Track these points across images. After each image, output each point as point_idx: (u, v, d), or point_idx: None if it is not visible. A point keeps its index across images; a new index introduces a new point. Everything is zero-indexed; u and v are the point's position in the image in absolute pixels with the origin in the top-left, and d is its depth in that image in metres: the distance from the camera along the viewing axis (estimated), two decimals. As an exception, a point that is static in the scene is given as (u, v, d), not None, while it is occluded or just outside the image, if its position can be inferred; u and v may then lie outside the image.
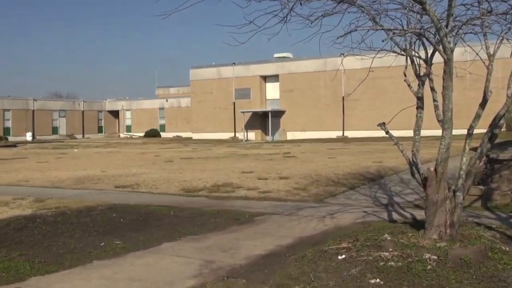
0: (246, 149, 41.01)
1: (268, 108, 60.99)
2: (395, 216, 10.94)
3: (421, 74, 8.93)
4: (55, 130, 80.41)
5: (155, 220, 11.63)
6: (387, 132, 8.95)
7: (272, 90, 63.11)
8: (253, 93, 63.12)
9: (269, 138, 59.47)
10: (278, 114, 60.57)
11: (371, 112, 54.42)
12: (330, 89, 57.57)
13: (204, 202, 14.09)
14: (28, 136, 74.14)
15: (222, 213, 12.11)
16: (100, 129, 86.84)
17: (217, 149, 41.11)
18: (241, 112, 60.97)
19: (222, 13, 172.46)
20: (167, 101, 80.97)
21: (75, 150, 44.65)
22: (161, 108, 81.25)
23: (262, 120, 62.32)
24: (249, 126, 62.07)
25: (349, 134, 56.12)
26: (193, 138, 65.97)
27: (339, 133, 56.93)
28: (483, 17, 7.94)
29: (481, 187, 12.23)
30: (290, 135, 59.75)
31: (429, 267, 6.98)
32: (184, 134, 75.27)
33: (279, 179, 18.36)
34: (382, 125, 8.94)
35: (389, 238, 8.22)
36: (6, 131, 74.17)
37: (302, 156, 30.14)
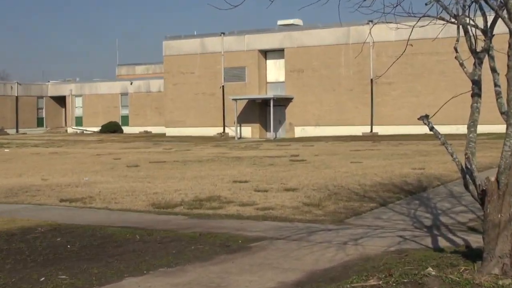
0: (239, 149, 40.97)
1: (270, 94, 60.98)
2: (442, 242, 10.93)
3: (478, 49, 8.90)
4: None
5: (115, 246, 11.59)
6: (431, 128, 8.92)
7: (275, 70, 63.12)
8: (249, 73, 63.13)
9: (270, 135, 59.48)
10: (283, 102, 60.57)
11: (410, 100, 54.44)
12: (354, 69, 57.60)
13: (182, 222, 14.08)
14: None
15: (206, 237, 12.09)
16: (40, 122, 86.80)
17: (199, 150, 41.05)
18: (233, 99, 60.95)
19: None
20: (131, 83, 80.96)
21: (6, 150, 44.56)
22: (124, 94, 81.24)
23: (261, 111, 62.31)
24: (243, 119, 62.07)
25: (380, 130, 56.15)
26: (167, 134, 65.92)
27: (366, 129, 56.96)
28: None
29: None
30: (299, 131, 59.77)
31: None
32: (154, 129, 75.20)
33: (283, 191, 18.35)
34: (424, 119, 8.92)
35: (433, 273, 8.20)
36: None
37: (315, 160, 30.15)
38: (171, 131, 66.18)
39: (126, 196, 18.24)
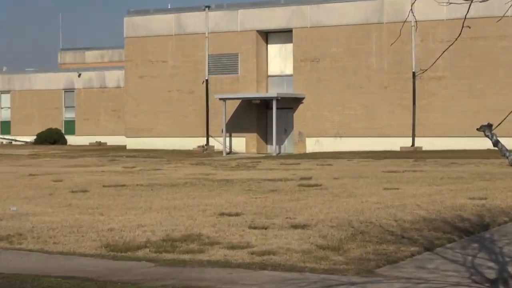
0: (228, 169, 40.98)
1: (272, 92, 61.09)
2: (511, 303, 10.91)
3: None
4: None
5: (53, 305, 11.55)
6: (496, 143, 8.91)
7: (280, 59, 63.28)
8: (244, 63, 63.23)
9: (272, 149, 59.50)
10: (290, 104, 60.66)
11: (467, 102, 54.52)
12: (390, 58, 57.73)
13: (147, 271, 14.04)
14: None
15: (181, 294, 12.06)
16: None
17: (173, 170, 41.05)
18: (220, 99, 60.98)
19: None
20: (79, 75, 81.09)
21: None
22: (69, 90, 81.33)
23: (259, 116, 62.39)
24: (234, 127, 62.12)
25: (425, 143, 56.21)
26: (129, 147, 65.96)
27: (406, 142, 57.00)
28: None
29: None
30: (313, 145, 59.82)
31: None
32: (111, 140, 75.25)
33: (290, 229, 18.33)
34: (486, 129, 8.90)
35: None
36: None
37: (334, 184, 30.16)
38: (134, 143, 66.19)
39: (70, 234, 18.20)
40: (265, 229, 18.45)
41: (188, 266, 14.45)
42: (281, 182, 31.46)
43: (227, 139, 61.26)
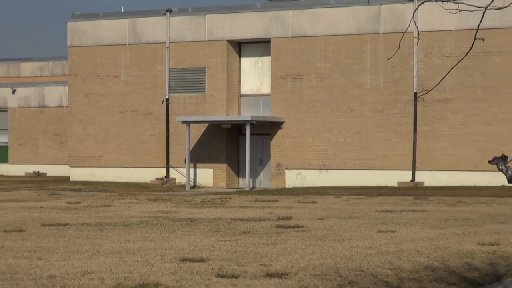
0: (192, 206, 41.01)
1: (245, 115, 61.20)
2: None
3: None
4: None
5: None
6: (510, 179, 9.07)
7: (255, 75, 63.46)
8: (211, 79, 63.37)
9: (245, 183, 59.58)
10: (266, 129, 60.84)
11: (478, 129, 54.76)
12: (387, 76, 57.98)
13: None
14: None
15: None
16: None
17: (126, 206, 41.05)
18: (183, 122, 61.07)
19: None
20: (14, 92, 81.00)
21: None
22: (1, 110, 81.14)
23: (230, 143, 62.52)
24: (200, 156, 62.24)
25: (427, 178, 56.43)
26: (73, 178, 65.87)
27: (405, 176, 57.23)
28: None
29: None
30: (293, 178, 59.97)
31: None
32: (51, 169, 75.23)
33: (265, 278, 18.42)
34: (500, 162, 9.07)
35: None
36: None
37: (318, 226, 30.27)
38: (79, 174, 66.17)
39: (2, 282, 18.23)
40: (236, 277, 18.50)
41: (143, 321, 14.55)
42: (255, 223, 31.54)
43: (191, 170, 61.39)
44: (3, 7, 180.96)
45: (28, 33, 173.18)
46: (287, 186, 58.93)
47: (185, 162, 61.23)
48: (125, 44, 65.90)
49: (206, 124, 62.09)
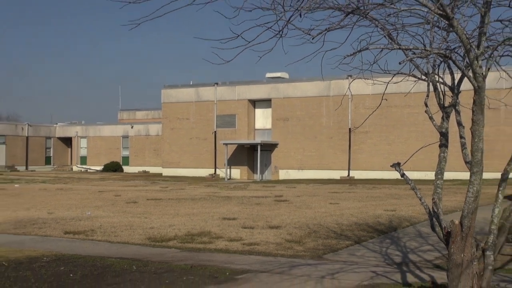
0: (228, 189, 40.92)
1: (257, 139, 61.05)
2: (410, 278, 10.92)
3: (446, 104, 9.00)
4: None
5: (113, 276, 11.52)
6: (402, 175, 8.98)
7: (263, 118, 63.29)
8: (239, 120, 63.30)
9: (257, 177, 59.42)
10: (269, 147, 60.66)
11: (384, 148, 54.58)
12: (334, 119, 57.81)
13: (175, 255, 14.02)
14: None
15: (197, 269, 12.05)
16: (48, 160, 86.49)
17: (192, 189, 40.98)
18: (223, 144, 61.03)
19: (204, 24, 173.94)
20: (132, 127, 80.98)
21: (16, 186, 44.33)
22: (125, 136, 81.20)
23: (249, 155, 62.35)
24: (232, 162, 62.09)
25: (356, 174, 56.20)
26: (164, 174, 65.78)
27: (344, 173, 57.02)
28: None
29: (517, 244, 12.25)
30: (284, 174, 59.76)
31: None
32: (152, 169, 75.11)
33: (268, 229, 18.32)
34: (396, 166, 8.98)
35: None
36: None
37: (297, 200, 30.13)
38: (167, 171, 66.08)
39: (125, 230, 18.16)
40: (252, 228, 18.44)
41: (201, 252, 14.43)
42: (262, 198, 31.41)
43: (228, 170, 61.21)
44: (126, 80, 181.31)
45: (140, 94, 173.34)
46: (280, 178, 58.67)
47: (225, 165, 61.07)
48: (192, 102, 65.80)
49: (236, 145, 61.93)
